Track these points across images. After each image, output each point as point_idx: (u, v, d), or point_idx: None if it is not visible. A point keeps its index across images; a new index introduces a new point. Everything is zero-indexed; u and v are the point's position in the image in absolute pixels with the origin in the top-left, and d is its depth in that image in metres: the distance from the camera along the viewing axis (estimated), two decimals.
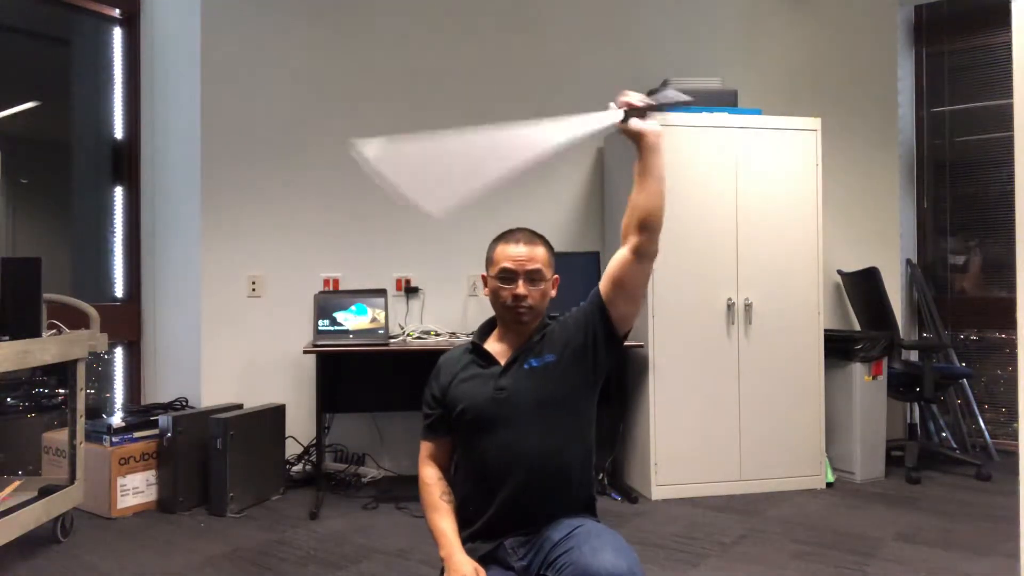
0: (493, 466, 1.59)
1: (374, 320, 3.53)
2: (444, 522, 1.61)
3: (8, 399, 3.30)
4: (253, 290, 3.86)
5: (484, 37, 4.08)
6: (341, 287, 3.88)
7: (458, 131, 1.41)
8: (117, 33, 4.07)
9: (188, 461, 3.30)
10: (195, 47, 3.80)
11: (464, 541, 1.59)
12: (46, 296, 2.78)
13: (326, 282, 3.89)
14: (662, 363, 3.47)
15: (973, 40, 4.68)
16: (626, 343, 1.84)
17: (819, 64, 4.44)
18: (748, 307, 3.55)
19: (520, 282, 1.63)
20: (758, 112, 3.69)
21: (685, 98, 1.62)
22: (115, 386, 4.05)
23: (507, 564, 1.56)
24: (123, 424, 3.28)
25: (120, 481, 3.19)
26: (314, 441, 3.64)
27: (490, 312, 1.75)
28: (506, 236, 1.70)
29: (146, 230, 4.05)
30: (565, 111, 1.46)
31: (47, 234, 4.13)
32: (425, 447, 1.72)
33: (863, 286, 4.18)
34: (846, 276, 4.34)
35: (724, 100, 3.69)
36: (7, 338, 2.52)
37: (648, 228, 1.57)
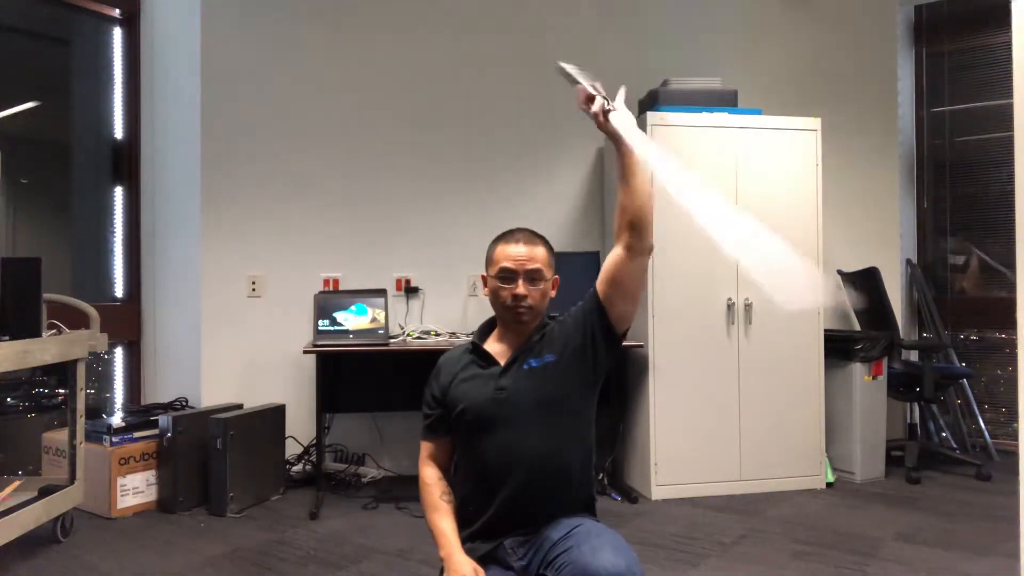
0: (493, 466, 1.59)
1: (374, 320, 3.53)
2: (444, 522, 1.61)
3: (8, 399, 3.30)
4: (253, 290, 3.86)
5: (484, 37, 4.08)
6: (341, 287, 3.88)
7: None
8: (117, 33, 4.07)
9: (188, 461, 3.30)
10: (195, 47, 3.80)
11: (464, 541, 1.59)
12: (46, 296, 2.78)
13: (326, 282, 3.89)
14: (662, 363, 3.47)
15: (973, 40, 4.68)
16: (626, 343, 1.84)
17: (819, 64, 4.44)
18: (748, 307, 3.55)
19: (520, 282, 1.63)
20: (758, 112, 3.69)
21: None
22: (115, 386, 4.05)
23: (506, 564, 1.56)
24: (123, 424, 3.28)
25: (120, 481, 3.19)
26: (314, 441, 3.64)
27: (490, 312, 1.74)
28: (506, 236, 1.69)
29: (146, 230, 4.05)
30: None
31: (47, 234, 4.13)
32: (425, 447, 1.72)
33: (863, 286, 4.17)
34: (846, 276, 4.34)
35: (724, 100, 3.69)
36: (7, 338, 2.52)
37: (637, 226, 1.56)
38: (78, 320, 3.03)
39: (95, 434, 3.21)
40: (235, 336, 3.82)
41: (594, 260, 3.75)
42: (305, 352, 3.41)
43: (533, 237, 1.69)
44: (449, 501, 1.65)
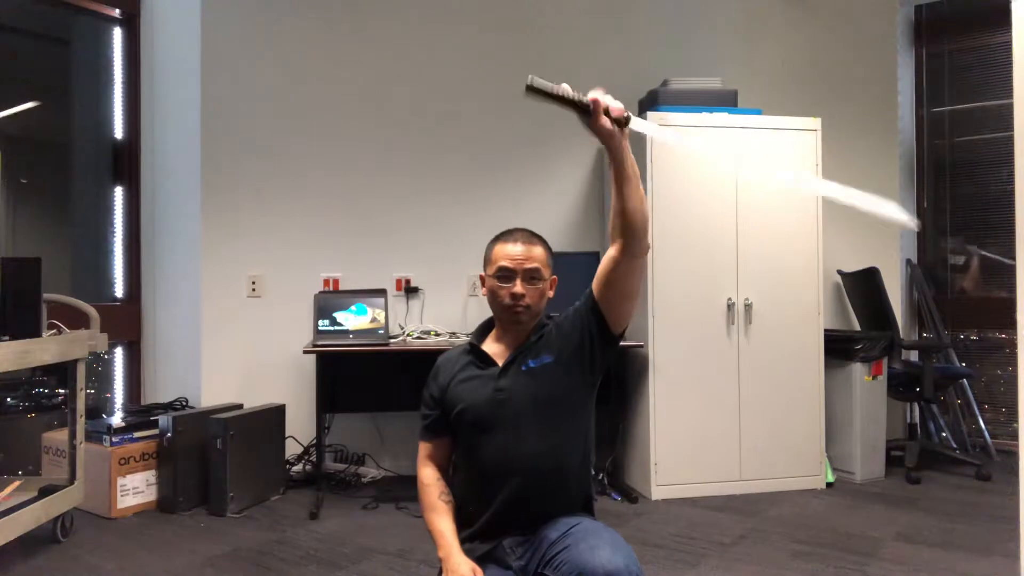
0: (492, 467, 1.59)
1: (374, 320, 3.53)
2: (442, 522, 1.61)
3: (8, 399, 3.30)
4: (253, 290, 3.86)
5: (484, 36, 4.08)
6: (341, 287, 3.88)
7: None
8: (117, 33, 4.07)
9: (188, 461, 3.30)
10: (195, 47, 3.80)
11: (462, 541, 1.59)
12: (46, 296, 2.78)
13: (326, 282, 3.89)
14: (662, 363, 3.47)
15: (973, 40, 4.68)
16: (626, 343, 1.84)
17: (819, 64, 4.44)
18: (748, 307, 3.55)
19: (518, 281, 1.63)
20: (758, 112, 3.69)
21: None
22: (115, 386, 4.05)
23: (505, 563, 1.56)
24: (123, 424, 3.28)
25: (120, 481, 3.19)
26: (314, 441, 3.64)
27: (490, 312, 1.74)
28: (504, 236, 1.69)
29: (146, 230, 4.05)
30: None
31: (47, 234, 4.13)
32: (423, 447, 1.72)
33: (863, 286, 4.17)
34: (846, 276, 4.34)
35: (724, 100, 3.69)
36: (7, 338, 2.53)
37: (633, 230, 1.52)
38: (78, 320, 3.03)
39: (95, 434, 3.21)
40: (235, 336, 3.82)
41: (594, 260, 3.73)
42: (305, 352, 3.41)
43: (531, 237, 1.69)
44: (448, 501, 1.65)
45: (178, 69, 3.94)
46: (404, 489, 3.49)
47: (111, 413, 3.73)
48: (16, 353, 2.51)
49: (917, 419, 4.22)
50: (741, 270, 3.55)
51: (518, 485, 1.57)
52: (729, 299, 3.54)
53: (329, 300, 3.56)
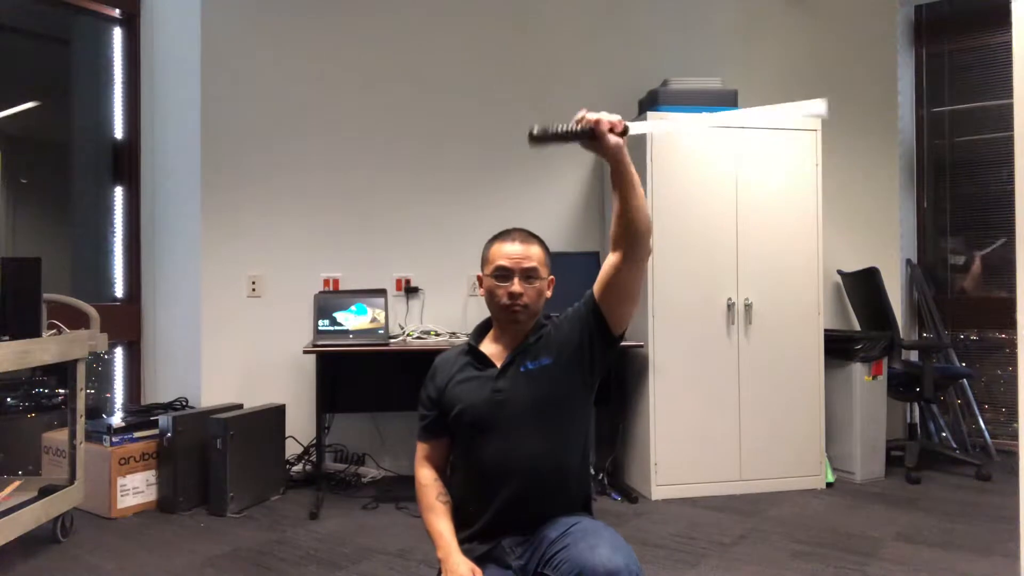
0: (491, 469, 1.59)
1: (374, 320, 3.53)
2: (441, 523, 1.61)
3: (8, 399, 3.30)
4: (253, 290, 3.86)
5: (484, 36, 4.08)
6: (341, 287, 3.88)
7: None
8: (117, 33, 4.07)
9: (188, 461, 3.30)
10: (195, 47, 3.80)
11: (461, 542, 1.59)
12: (46, 296, 2.78)
13: (326, 282, 3.89)
14: (662, 363, 3.47)
15: (973, 40, 4.68)
16: (626, 343, 1.83)
17: (819, 64, 4.44)
18: (748, 307, 3.55)
19: (515, 280, 1.63)
20: None
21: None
22: (115, 386, 4.05)
23: (505, 563, 1.56)
24: (123, 424, 3.28)
25: (120, 481, 3.19)
26: (314, 441, 3.64)
27: (489, 312, 1.74)
28: (501, 235, 1.69)
29: (146, 230, 4.05)
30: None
31: (47, 234, 4.13)
32: (421, 448, 1.72)
33: (863, 286, 4.17)
34: (846, 276, 4.34)
35: (724, 100, 3.68)
36: (7, 338, 2.53)
37: (635, 237, 1.52)
38: (78, 320, 3.03)
39: (95, 434, 3.21)
40: (235, 336, 3.82)
41: (594, 260, 3.75)
42: (305, 352, 3.41)
43: (528, 236, 1.69)
44: (446, 502, 1.65)
45: (178, 69, 3.94)
46: (404, 489, 3.49)
47: (111, 413, 3.74)
48: (16, 353, 2.51)
49: (917, 419, 4.22)
50: (741, 270, 3.55)
51: (517, 486, 1.57)
52: (729, 299, 3.54)
53: (329, 300, 3.56)
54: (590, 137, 1.43)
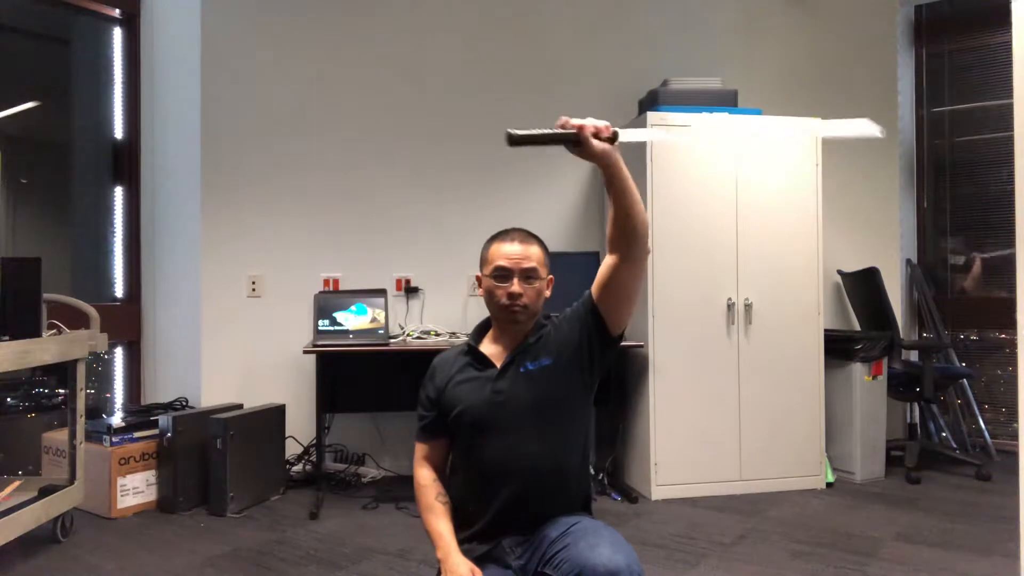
0: (491, 469, 1.59)
1: (374, 320, 3.53)
2: (440, 523, 1.61)
3: (8, 399, 3.30)
4: (253, 290, 3.86)
5: (484, 36, 4.08)
6: (341, 287, 3.88)
7: None
8: (117, 33, 4.07)
9: (188, 461, 3.30)
10: (195, 47, 3.80)
11: (461, 542, 1.59)
12: (46, 296, 2.78)
13: (326, 282, 3.89)
14: (662, 363, 3.47)
15: (973, 40, 4.68)
16: (626, 343, 1.83)
17: (819, 64, 4.44)
18: (748, 307, 3.55)
19: (515, 280, 1.63)
20: (758, 112, 3.69)
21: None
22: (115, 386, 4.05)
23: (505, 563, 1.56)
24: (123, 424, 3.28)
25: (120, 481, 3.19)
26: (314, 441, 3.64)
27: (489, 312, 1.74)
28: (500, 235, 1.69)
29: (146, 230, 4.05)
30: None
31: (47, 234, 4.13)
32: (420, 449, 1.72)
33: (863, 286, 4.17)
34: (846, 276, 4.34)
35: (724, 100, 3.69)
36: (7, 338, 2.53)
37: (634, 237, 1.51)
38: (78, 320, 3.03)
39: (95, 434, 3.21)
40: (235, 336, 3.82)
41: (594, 260, 3.75)
42: (305, 352, 3.41)
43: (528, 236, 1.69)
44: (445, 502, 1.65)
45: (178, 69, 3.94)
46: (404, 489, 3.49)
47: (111, 413, 3.74)
48: (16, 353, 2.51)
49: (917, 419, 4.22)
50: (741, 270, 3.55)
51: (517, 486, 1.57)
52: (729, 299, 3.54)
53: (329, 300, 3.56)
54: (573, 142, 1.41)
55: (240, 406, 3.62)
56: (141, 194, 4.04)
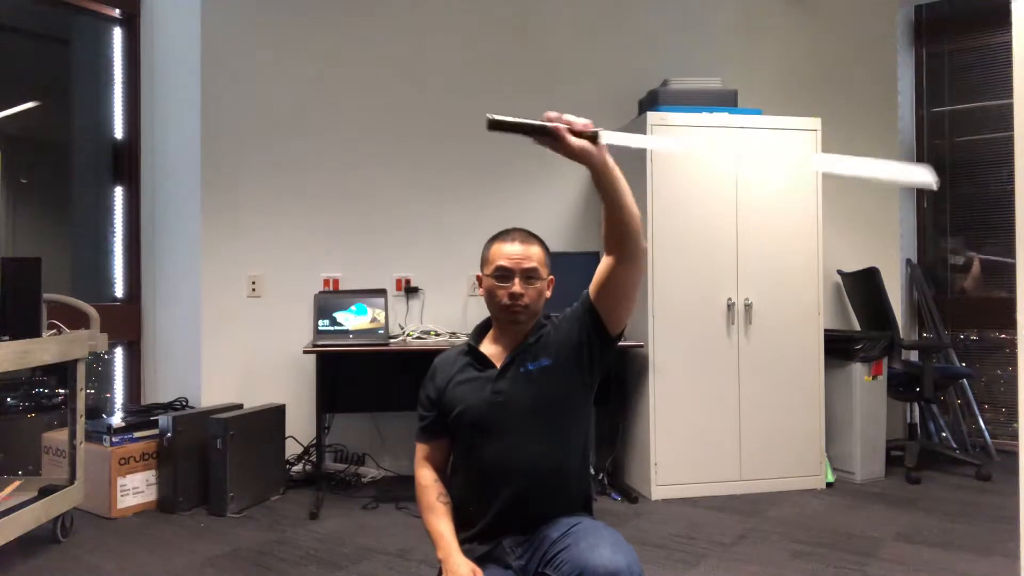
0: (492, 470, 1.59)
1: (374, 320, 3.53)
2: (441, 523, 1.61)
3: (8, 399, 3.30)
4: (253, 290, 3.86)
5: (484, 36, 4.08)
6: (341, 287, 3.88)
7: None
8: (117, 33, 4.07)
9: (188, 461, 3.30)
10: (195, 47, 3.80)
11: (462, 542, 1.59)
12: (46, 296, 2.78)
13: (326, 282, 3.89)
14: (662, 363, 3.47)
15: (973, 40, 4.68)
16: (626, 343, 1.82)
17: (819, 64, 4.44)
18: (748, 307, 3.55)
19: (516, 280, 1.62)
20: (758, 112, 3.69)
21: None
22: (115, 386, 4.05)
23: (505, 563, 1.56)
24: (123, 424, 3.28)
25: (120, 481, 3.19)
26: (314, 441, 3.64)
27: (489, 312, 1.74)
28: (501, 235, 1.69)
29: (146, 230, 4.05)
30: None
31: (47, 234, 4.13)
32: (421, 449, 1.72)
33: (863, 286, 4.17)
34: (846, 276, 4.34)
35: (724, 100, 3.69)
36: (7, 338, 2.53)
37: (628, 237, 1.50)
38: (78, 320, 3.03)
39: (95, 434, 3.21)
40: (235, 336, 3.82)
41: (594, 260, 3.72)
42: (305, 352, 3.41)
43: (529, 236, 1.69)
44: (446, 503, 1.65)
45: (178, 69, 3.94)
46: (404, 489, 3.49)
47: (111, 413, 3.74)
48: (16, 353, 2.51)
49: (917, 419, 4.22)
50: (741, 270, 3.55)
51: (518, 486, 1.57)
52: (729, 299, 3.54)
53: (329, 300, 3.56)
54: (545, 133, 1.39)
55: (240, 406, 3.62)
56: (141, 194, 4.04)
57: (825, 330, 3.66)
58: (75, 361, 2.87)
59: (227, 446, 3.25)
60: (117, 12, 4.02)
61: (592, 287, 1.62)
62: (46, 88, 4.01)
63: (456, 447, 1.68)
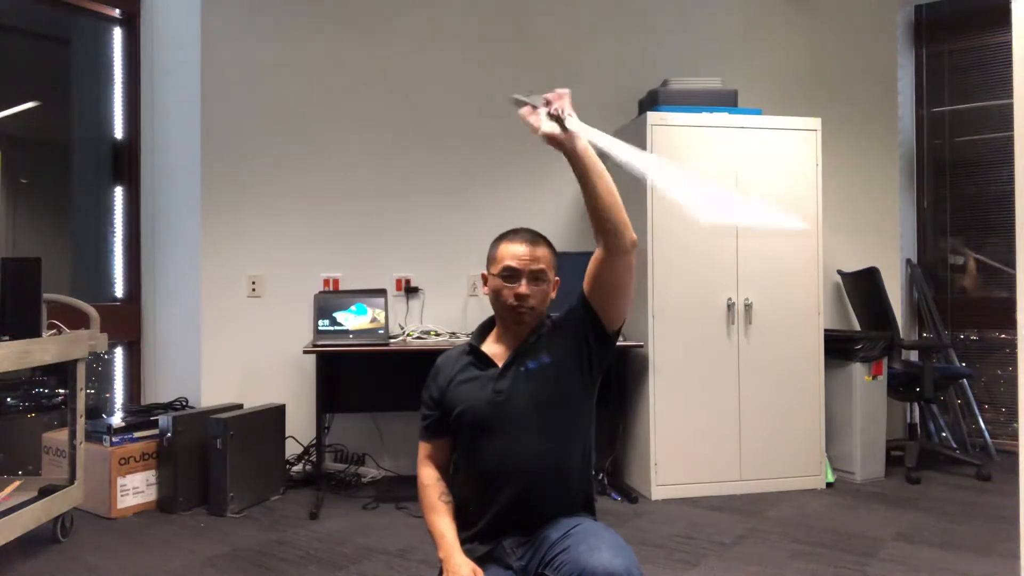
0: (493, 469, 1.59)
1: (374, 320, 3.53)
2: (443, 523, 1.61)
3: (8, 399, 3.30)
4: (253, 290, 3.86)
5: (484, 36, 4.08)
6: (341, 287, 3.88)
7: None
8: (117, 33, 4.07)
9: (188, 461, 3.30)
10: (195, 47, 3.80)
11: (463, 542, 1.59)
12: (46, 296, 2.78)
13: (326, 282, 3.89)
14: (662, 363, 3.47)
15: (973, 40, 4.68)
16: (626, 343, 1.82)
17: (819, 64, 4.44)
18: (748, 307, 3.55)
19: (523, 281, 1.62)
20: (758, 112, 3.69)
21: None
22: (115, 386, 4.05)
23: (505, 563, 1.56)
24: (123, 424, 3.28)
25: (120, 481, 3.19)
26: (314, 441, 3.64)
27: (491, 311, 1.74)
28: (510, 235, 1.69)
29: (146, 230, 4.05)
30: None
31: (47, 234, 4.13)
32: (423, 448, 1.72)
33: (863, 286, 4.17)
34: (846, 276, 4.34)
35: (724, 100, 3.69)
36: (7, 338, 2.53)
37: (611, 227, 1.50)
38: (78, 320, 3.03)
39: (95, 434, 3.21)
40: (235, 336, 3.82)
41: None
42: (305, 352, 3.41)
43: (537, 237, 1.69)
44: (448, 502, 1.65)
45: (178, 69, 3.94)
46: (404, 489, 3.49)
47: (111, 413, 3.74)
48: (16, 353, 2.51)
49: (917, 419, 4.22)
50: (741, 270, 3.55)
51: (519, 487, 1.57)
52: (729, 299, 3.54)
53: (329, 300, 3.56)
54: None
55: (240, 406, 3.62)
56: (141, 194, 4.04)
57: (825, 330, 3.66)
58: (75, 361, 2.87)
59: (227, 446, 3.25)
60: (117, 12, 4.02)
61: (585, 283, 1.62)
62: (46, 88, 4.01)
63: (458, 447, 1.68)
